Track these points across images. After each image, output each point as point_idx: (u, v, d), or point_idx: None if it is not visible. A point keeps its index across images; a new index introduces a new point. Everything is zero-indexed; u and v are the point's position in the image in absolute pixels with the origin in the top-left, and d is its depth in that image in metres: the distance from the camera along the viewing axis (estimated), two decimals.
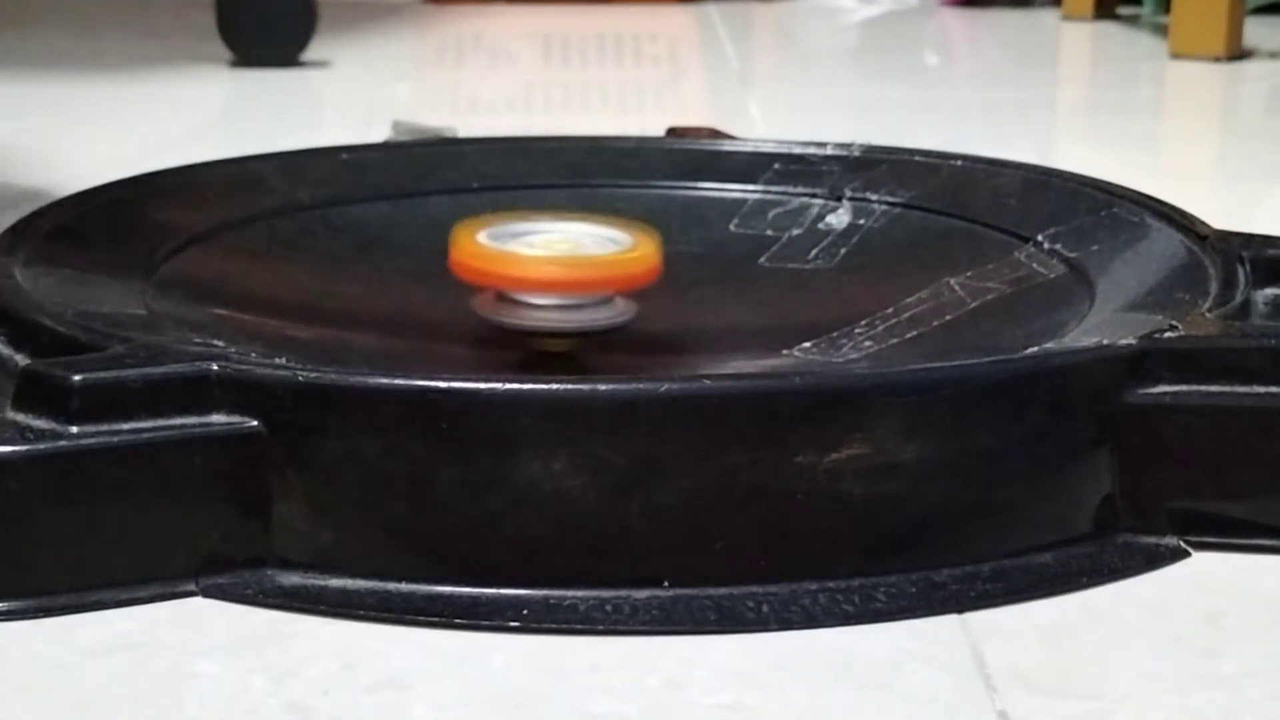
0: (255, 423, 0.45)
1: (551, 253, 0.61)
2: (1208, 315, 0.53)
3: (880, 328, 0.62)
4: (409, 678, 0.41)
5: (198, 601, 0.45)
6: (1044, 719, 0.39)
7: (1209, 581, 0.47)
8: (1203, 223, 0.63)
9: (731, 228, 0.76)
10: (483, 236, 0.62)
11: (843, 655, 0.42)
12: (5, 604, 0.44)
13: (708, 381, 0.46)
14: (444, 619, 0.44)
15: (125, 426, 0.45)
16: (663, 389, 0.45)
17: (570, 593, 0.45)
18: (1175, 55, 1.44)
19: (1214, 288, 0.56)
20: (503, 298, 0.61)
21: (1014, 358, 0.50)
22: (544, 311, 0.60)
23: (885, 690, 0.41)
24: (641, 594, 0.45)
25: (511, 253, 0.61)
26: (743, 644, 0.43)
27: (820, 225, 0.75)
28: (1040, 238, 0.68)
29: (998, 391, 0.47)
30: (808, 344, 0.61)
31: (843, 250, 0.73)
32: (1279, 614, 0.45)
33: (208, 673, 0.41)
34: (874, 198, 0.75)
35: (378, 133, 0.92)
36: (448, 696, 0.40)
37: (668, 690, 0.41)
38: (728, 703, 0.40)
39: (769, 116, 1.21)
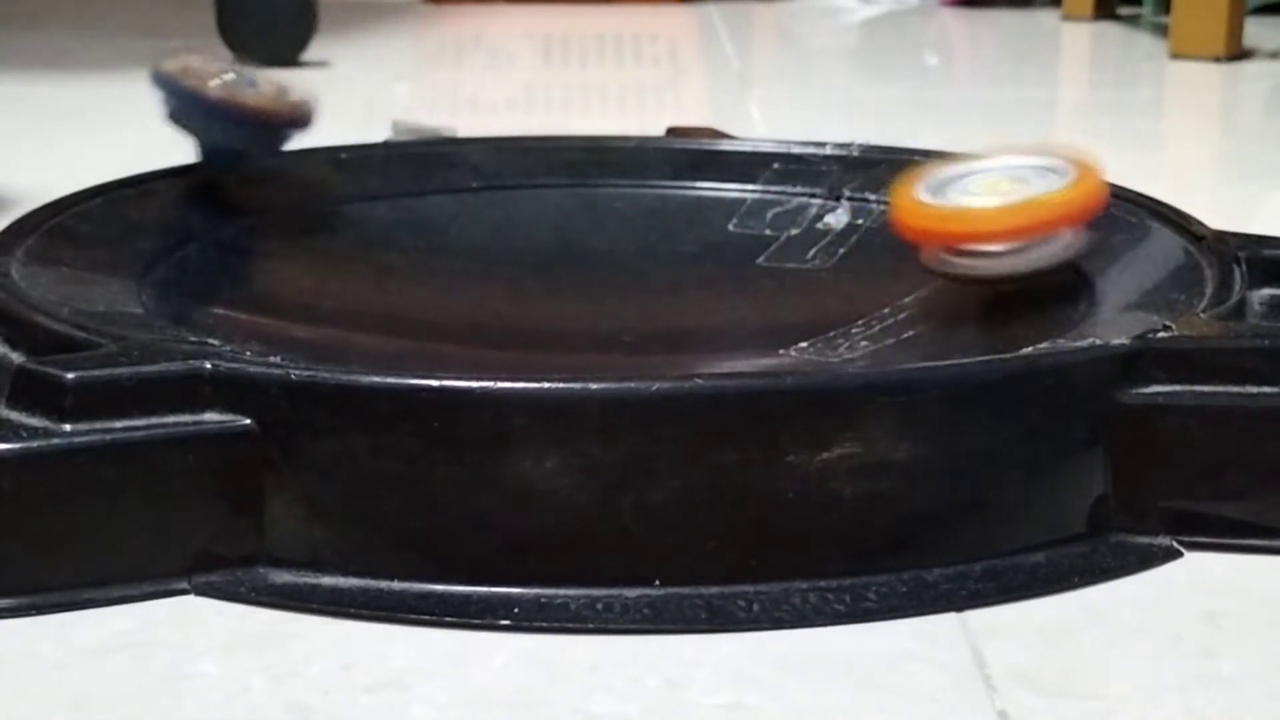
0: (248, 421, 0.46)
1: (998, 196, 0.60)
2: (1202, 316, 0.53)
3: (877, 328, 0.62)
4: (408, 678, 0.41)
5: (196, 601, 0.45)
6: (1044, 719, 0.39)
7: (1209, 581, 0.47)
8: (1200, 223, 0.63)
9: (730, 227, 0.76)
10: (922, 193, 0.61)
11: (843, 655, 0.42)
12: None
13: (699, 381, 0.46)
14: (435, 617, 0.44)
15: (119, 425, 0.45)
16: (654, 388, 0.45)
17: (562, 591, 0.45)
18: (1175, 55, 1.44)
19: (1209, 288, 0.56)
20: (950, 250, 0.61)
21: (1006, 358, 0.50)
22: (996, 258, 0.60)
23: (885, 690, 0.41)
24: (633, 593, 0.45)
25: (966, 207, 0.60)
26: (743, 644, 0.43)
27: (818, 225, 0.75)
28: None
29: (990, 391, 0.47)
30: (804, 344, 0.61)
31: (841, 250, 0.73)
32: (1279, 614, 0.45)
33: (207, 673, 0.41)
34: (872, 198, 0.75)
35: (377, 132, 0.92)
36: (447, 696, 0.40)
37: (668, 690, 0.41)
38: (728, 703, 0.40)
39: (769, 116, 1.21)
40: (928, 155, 0.77)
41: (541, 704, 0.40)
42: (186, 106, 0.69)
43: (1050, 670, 0.42)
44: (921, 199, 0.61)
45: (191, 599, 0.45)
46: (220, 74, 0.69)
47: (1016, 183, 0.61)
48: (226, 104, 0.69)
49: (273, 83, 0.70)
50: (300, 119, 0.71)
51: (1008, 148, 0.63)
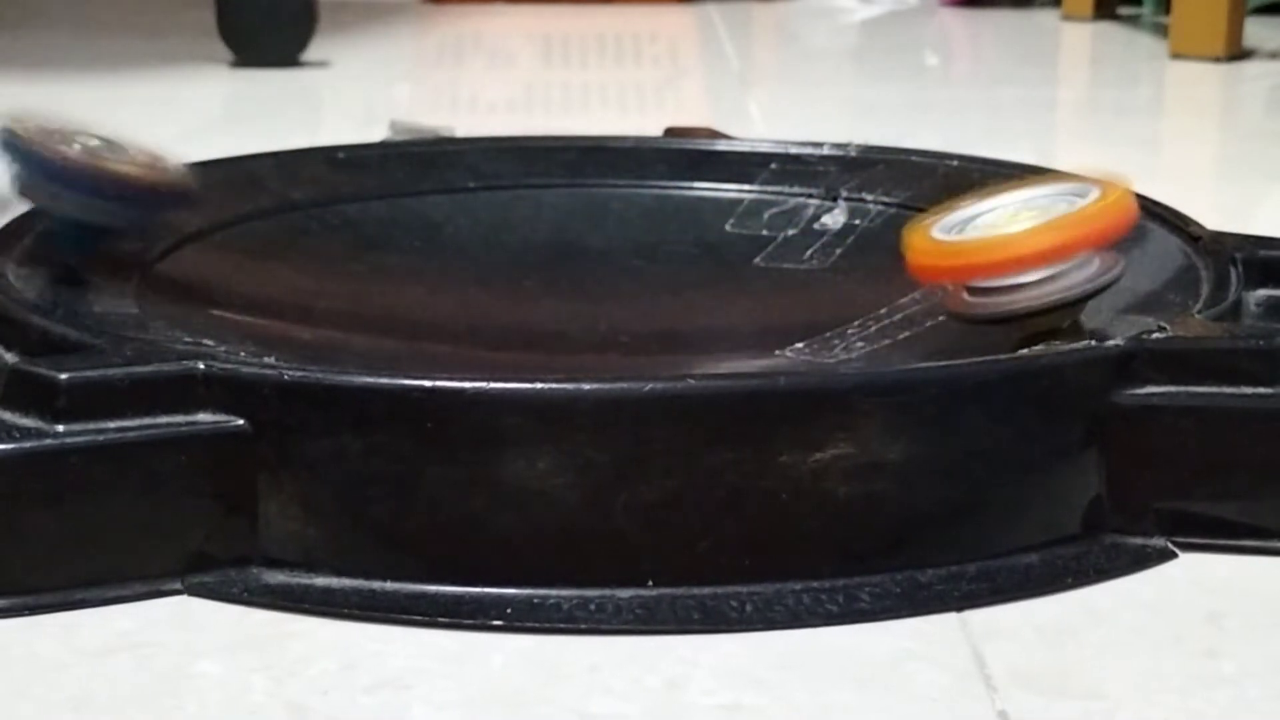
0: (241, 421, 0.45)
1: (1019, 227, 0.54)
2: (1198, 316, 0.53)
3: (873, 328, 0.62)
4: (408, 678, 0.41)
5: (196, 601, 0.45)
6: (1044, 719, 0.39)
7: (1209, 581, 0.47)
8: (1197, 224, 0.63)
9: (727, 227, 0.76)
10: (937, 232, 0.56)
11: (843, 655, 0.42)
12: None
13: (692, 381, 0.46)
14: (428, 617, 0.44)
15: (111, 425, 0.45)
16: (647, 388, 0.45)
17: (554, 592, 0.45)
18: (1175, 55, 1.44)
19: (1205, 289, 0.56)
20: (974, 291, 0.55)
21: (1000, 358, 0.50)
22: (1025, 290, 0.53)
23: (885, 690, 0.41)
24: (625, 593, 0.45)
25: (985, 237, 0.54)
26: (743, 644, 0.43)
27: (816, 225, 0.75)
28: None
29: (984, 392, 0.47)
30: (800, 344, 0.61)
31: (838, 250, 0.73)
32: (1279, 614, 0.45)
33: (208, 673, 0.41)
34: (870, 198, 0.75)
35: (377, 132, 0.92)
36: (447, 696, 0.40)
37: (668, 690, 0.41)
38: (728, 703, 0.40)
39: (769, 116, 1.21)
40: (924, 155, 0.77)
41: (541, 704, 0.40)
42: (35, 173, 0.59)
43: (1050, 670, 0.42)
44: (936, 237, 0.56)
45: (191, 599, 0.45)
46: (79, 139, 0.60)
47: (1039, 211, 0.55)
48: (86, 171, 0.59)
49: (145, 152, 0.62)
50: (176, 192, 0.62)
51: (1025, 182, 0.58)
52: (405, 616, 0.44)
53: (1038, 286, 0.53)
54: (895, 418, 0.46)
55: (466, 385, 0.45)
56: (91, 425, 0.45)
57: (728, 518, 0.45)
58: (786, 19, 1.84)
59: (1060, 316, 0.54)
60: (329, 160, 0.78)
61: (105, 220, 0.61)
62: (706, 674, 0.41)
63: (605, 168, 0.79)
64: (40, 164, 0.59)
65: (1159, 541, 0.49)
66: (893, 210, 0.74)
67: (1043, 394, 0.48)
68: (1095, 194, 0.55)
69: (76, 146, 0.59)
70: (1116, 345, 0.49)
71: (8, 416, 0.45)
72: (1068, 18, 1.72)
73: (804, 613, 0.44)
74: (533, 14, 1.82)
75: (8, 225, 0.63)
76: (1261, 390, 0.48)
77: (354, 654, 0.42)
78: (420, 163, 0.79)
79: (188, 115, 1.21)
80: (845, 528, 0.46)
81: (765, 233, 0.75)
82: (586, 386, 0.45)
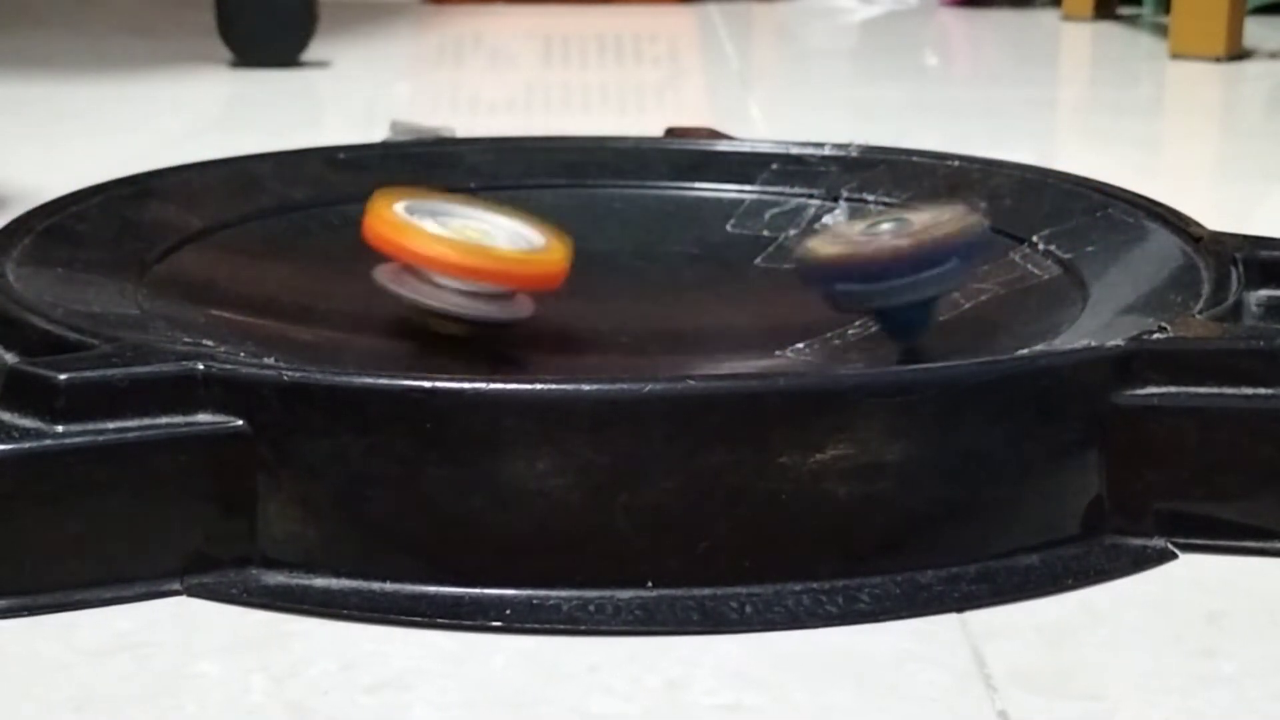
0: (240, 422, 0.45)
1: (459, 237, 0.61)
2: (1198, 317, 0.53)
3: (873, 329, 0.62)
4: (409, 678, 0.41)
5: (196, 602, 0.45)
6: (1044, 719, 0.39)
7: (1208, 581, 0.47)
8: (1197, 224, 0.63)
9: (728, 228, 0.76)
10: (399, 207, 0.61)
11: (843, 655, 0.42)
12: None
13: (691, 382, 0.46)
14: (427, 618, 0.44)
15: (110, 426, 0.45)
16: (647, 389, 0.45)
17: (554, 593, 0.45)
18: (1175, 55, 1.44)
19: (1206, 289, 0.56)
20: (408, 271, 0.61)
21: (1000, 359, 0.50)
22: (442, 292, 0.60)
23: (885, 690, 0.41)
24: (625, 594, 0.45)
25: (417, 226, 0.60)
26: (743, 644, 0.43)
27: (817, 226, 0.75)
28: (1035, 239, 0.68)
29: (984, 393, 0.47)
30: (801, 345, 0.61)
31: None
32: (1279, 614, 0.45)
33: (208, 673, 0.41)
34: (870, 198, 0.75)
35: (378, 133, 0.92)
36: (447, 697, 0.40)
37: (668, 690, 0.41)
38: (728, 703, 0.40)
39: (769, 116, 1.21)
40: (925, 155, 0.77)
41: (542, 704, 0.40)
42: (857, 284, 0.57)
43: (1050, 670, 0.42)
44: (394, 210, 0.61)
45: (191, 600, 0.45)
46: (880, 226, 0.59)
47: (484, 235, 0.62)
48: (904, 254, 0.56)
49: (929, 211, 0.59)
50: (968, 240, 0.58)
51: (509, 211, 0.64)
52: (405, 617, 0.44)
53: (446, 293, 0.60)
54: (895, 418, 0.46)
55: (466, 386, 0.45)
56: (91, 426, 0.45)
57: (727, 518, 0.45)
58: (786, 19, 1.84)
59: (457, 327, 0.61)
60: (329, 160, 0.78)
61: (948, 287, 0.59)
62: (706, 674, 0.41)
63: (606, 168, 0.79)
64: (861, 273, 0.58)
65: (1159, 542, 0.49)
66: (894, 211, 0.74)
67: (1043, 394, 0.48)
68: (537, 246, 0.62)
69: (882, 233, 0.58)
70: (1117, 346, 0.49)
71: (7, 417, 0.45)
72: (1068, 18, 1.72)
73: (804, 613, 0.44)
74: (533, 14, 1.82)
75: (7, 225, 0.63)
76: (1261, 390, 0.48)
77: (354, 654, 0.42)
78: (421, 163, 0.79)
79: (188, 115, 1.21)
80: (845, 528, 0.46)
81: (766, 233, 0.75)
82: (586, 387, 0.45)
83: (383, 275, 0.61)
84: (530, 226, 0.63)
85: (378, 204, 0.62)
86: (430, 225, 0.61)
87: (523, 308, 0.62)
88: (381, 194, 0.62)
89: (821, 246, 0.60)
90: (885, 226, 0.59)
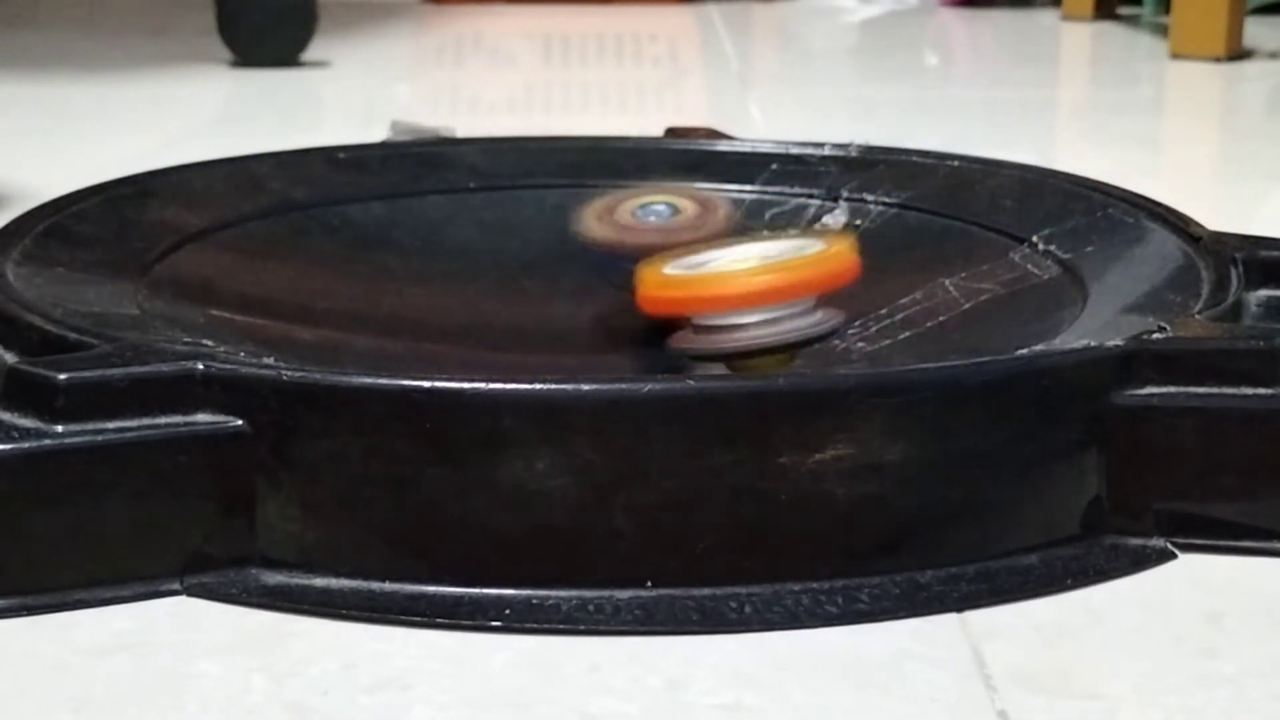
0: (240, 422, 0.45)
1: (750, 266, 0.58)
2: (1198, 317, 0.53)
3: (874, 329, 0.62)
4: (409, 678, 0.41)
5: (196, 602, 0.45)
6: (1044, 719, 0.39)
7: (1209, 581, 0.47)
8: (1197, 224, 0.63)
9: None
10: (669, 269, 0.59)
11: (843, 655, 0.42)
12: None
13: (691, 381, 0.46)
14: (427, 618, 0.44)
15: (110, 425, 0.45)
16: (646, 389, 0.45)
17: (553, 593, 0.45)
18: (1175, 55, 1.44)
19: (1206, 289, 0.56)
20: (699, 329, 0.58)
21: (999, 359, 0.50)
22: (745, 331, 0.57)
23: (885, 690, 0.41)
24: (624, 594, 0.45)
25: (711, 273, 0.58)
26: (743, 644, 0.43)
27: (817, 226, 0.75)
28: (1035, 239, 0.68)
29: (983, 393, 0.47)
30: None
31: None
32: (1279, 614, 0.45)
33: (208, 673, 0.41)
34: (870, 198, 0.75)
35: (378, 133, 0.92)
36: (447, 696, 0.40)
37: (668, 690, 0.41)
38: (728, 703, 0.40)
39: (769, 116, 1.21)
40: (925, 156, 0.77)
41: (542, 704, 0.40)
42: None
43: (1050, 670, 0.42)
44: (667, 272, 0.58)
45: (191, 600, 0.45)
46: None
47: (765, 256, 0.59)
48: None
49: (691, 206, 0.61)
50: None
51: (755, 236, 0.62)
52: (405, 617, 0.44)
53: (756, 328, 0.56)
54: (895, 418, 0.46)
55: (466, 386, 0.45)
56: (91, 425, 0.45)
57: (727, 518, 0.45)
58: (786, 19, 1.84)
59: (777, 361, 0.56)
60: (329, 160, 0.78)
61: None
62: (706, 674, 0.41)
63: (606, 168, 0.79)
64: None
65: (1159, 542, 0.49)
66: (893, 211, 0.74)
67: (1043, 394, 0.48)
68: (819, 247, 0.58)
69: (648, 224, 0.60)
70: (1117, 346, 0.49)
71: (7, 417, 0.45)
72: (1068, 18, 1.72)
73: (803, 613, 0.44)
74: (533, 14, 1.82)
75: (7, 225, 0.63)
76: (1261, 390, 0.48)
77: (354, 654, 0.42)
78: (421, 163, 0.79)
79: (188, 115, 1.21)
80: (844, 528, 0.46)
81: (766, 233, 0.75)
82: (586, 387, 0.45)
83: (680, 343, 0.58)
84: (801, 240, 0.60)
85: (647, 272, 0.59)
86: (708, 271, 0.58)
87: (832, 316, 0.58)
88: (646, 264, 0.59)
89: (594, 224, 0.62)
90: (653, 215, 0.61)
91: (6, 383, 0.46)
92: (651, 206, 0.62)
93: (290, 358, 0.49)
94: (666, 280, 0.58)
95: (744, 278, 0.57)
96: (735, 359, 0.57)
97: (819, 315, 0.57)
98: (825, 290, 0.58)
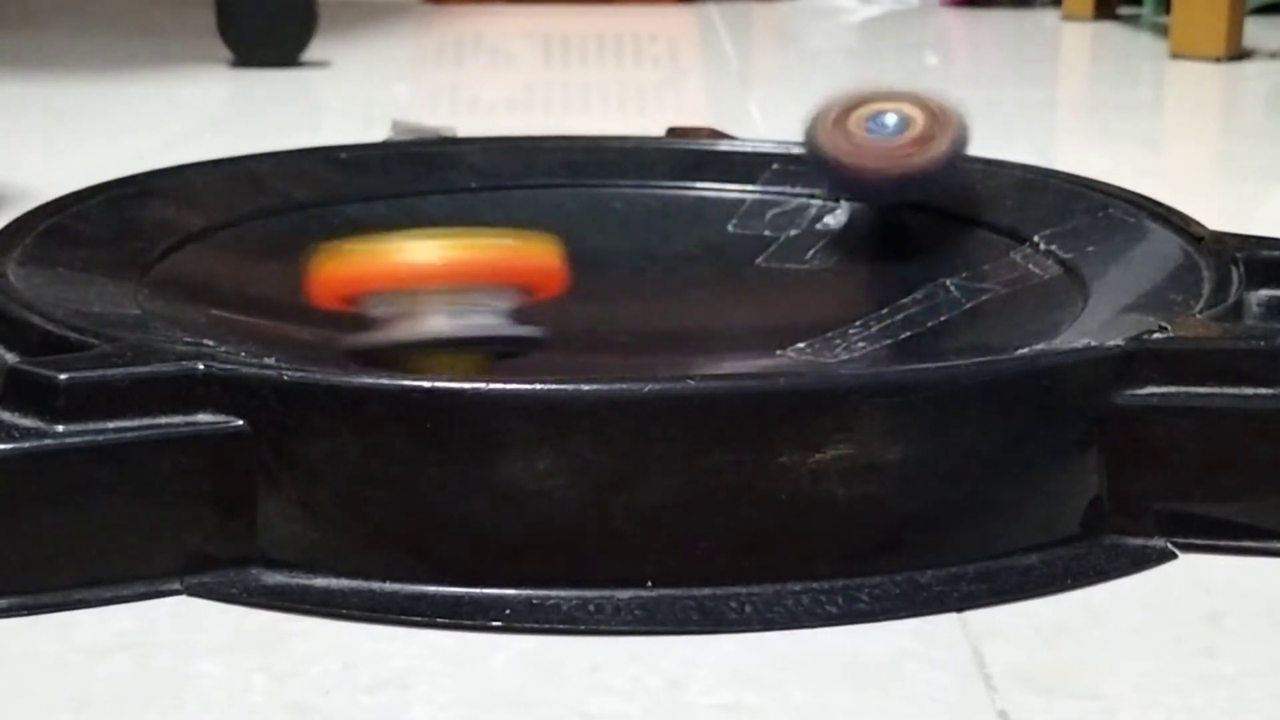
0: (240, 422, 0.45)
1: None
2: (1199, 317, 0.53)
3: (875, 328, 0.62)
4: (409, 678, 0.41)
5: (196, 601, 0.45)
6: (1044, 719, 0.39)
7: (1209, 581, 0.47)
8: (1198, 224, 0.63)
9: (729, 228, 0.76)
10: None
11: (843, 655, 0.42)
12: None
13: (691, 382, 0.46)
14: (427, 618, 0.44)
15: (111, 425, 0.45)
16: (646, 389, 0.45)
17: (554, 592, 0.45)
18: (1175, 55, 1.44)
19: (1207, 289, 0.56)
20: (378, 322, 0.54)
21: (999, 359, 0.50)
22: (426, 321, 0.53)
23: (885, 690, 0.41)
24: (625, 594, 0.45)
25: (391, 246, 0.54)
26: (743, 644, 0.43)
27: (818, 226, 0.75)
28: (1036, 238, 0.68)
29: (983, 393, 0.47)
30: (802, 344, 0.61)
31: (839, 251, 0.73)
32: (1279, 614, 0.45)
33: (208, 673, 0.41)
34: None
35: (378, 133, 0.92)
36: (448, 696, 0.40)
37: (668, 690, 0.41)
38: (728, 703, 0.40)
39: (769, 116, 1.21)
40: None
41: (542, 704, 0.40)
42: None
43: (1050, 670, 0.42)
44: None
45: (191, 599, 0.45)
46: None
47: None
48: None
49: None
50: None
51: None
52: (405, 616, 0.44)
53: (436, 319, 0.52)
54: (895, 418, 0.46)
55: (466, 386, 0.45)
56: (91, 425, 0.45)
57: (727, 518, 0.45)
58: (786, 19, 1.84)
59: (464, 362, 0.52)
60: (330, 160, 0.78)
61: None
62: (706, 674, 0.41)
63: (607, 168, 0.79)
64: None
65: (1159, 542, 0.49)
66: (894, 210, 0.74)
67: (1043, 394, 0.48)
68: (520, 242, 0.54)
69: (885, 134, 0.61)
70: (1117, 346, 0.49)
71: (8, 416, 0.45)
72: (1068, 18, 1.72)
73: (804, 614, 0.44)
74: (533, 14, 1.82)
75: (8, 225, 0.63)
76: (1261, 390, 0.48)
77: (354, 654, 0.42)
78: (421, 163, 0.79)
79: (188, 115, 1.21)
80: (845, 528, 0.46)
81: (767, 233, 0.75)
82: (586, 387, 0.45)
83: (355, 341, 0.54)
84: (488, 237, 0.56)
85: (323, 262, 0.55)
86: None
87: (534, 329, 0.54)
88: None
89: (825, 133, 0.61)
90: (884, 128, 0.61)
91: (7, 382, 0.46)
92: (882, 118, 0.61)
93: (291, 357, 0.49)
94: (341, 258, 0.53)
95: (419, 251, 0.52)
96: (411, 352, 0.52)
97: (517, 324, 0.53)
98: (511, 283, 0.54)
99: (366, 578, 0.45)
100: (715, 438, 0.45)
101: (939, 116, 0.65)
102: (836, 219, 0.75)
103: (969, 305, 0.64)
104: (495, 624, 0.44)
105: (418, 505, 0.45)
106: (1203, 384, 0.48)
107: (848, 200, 0.62)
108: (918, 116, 0.65)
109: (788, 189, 0.77)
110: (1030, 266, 0.66)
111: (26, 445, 0.44)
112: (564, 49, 1.58)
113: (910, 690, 0.41)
